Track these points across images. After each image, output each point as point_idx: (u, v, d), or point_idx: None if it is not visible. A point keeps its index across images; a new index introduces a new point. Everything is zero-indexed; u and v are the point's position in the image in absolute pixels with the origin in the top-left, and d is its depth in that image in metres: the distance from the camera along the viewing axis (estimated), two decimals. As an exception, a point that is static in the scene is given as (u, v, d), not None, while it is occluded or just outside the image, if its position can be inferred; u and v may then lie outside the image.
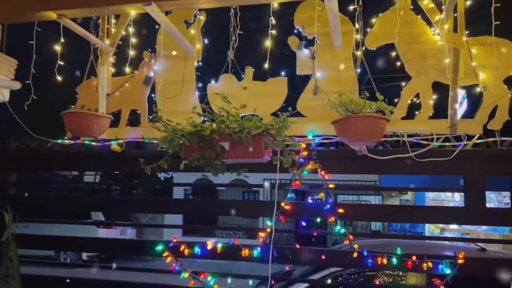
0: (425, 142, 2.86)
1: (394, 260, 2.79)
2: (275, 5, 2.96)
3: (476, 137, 2.77)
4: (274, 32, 2.97)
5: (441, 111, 2.89)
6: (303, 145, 2.98)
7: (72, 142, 3.38)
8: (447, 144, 2.83)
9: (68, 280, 3.17)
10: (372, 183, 12.67)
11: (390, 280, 5.03)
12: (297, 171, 2.89)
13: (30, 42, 2.86)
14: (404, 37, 2.97)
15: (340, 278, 4.73)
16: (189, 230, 15.65)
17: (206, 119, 2.92)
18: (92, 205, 3.95)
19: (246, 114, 3.20)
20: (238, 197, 16.31)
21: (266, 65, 3.05)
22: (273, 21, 2.91)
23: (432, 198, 12.23)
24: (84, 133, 2.71)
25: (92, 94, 3.46)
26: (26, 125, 3.12)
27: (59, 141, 3.34)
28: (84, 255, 12.00)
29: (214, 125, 2.37)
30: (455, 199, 11.99)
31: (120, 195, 15.89)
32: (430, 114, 2.91)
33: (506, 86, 2.77)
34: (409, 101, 2.96)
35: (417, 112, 2.96)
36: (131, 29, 3.39)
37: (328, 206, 2.94)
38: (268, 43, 2.98)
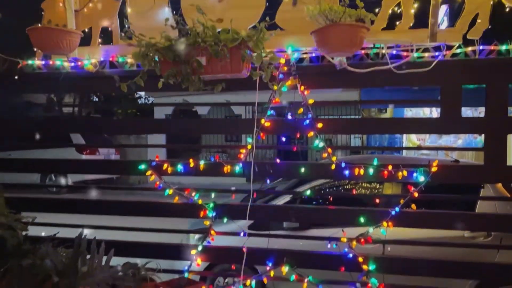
0: (405, 54, 2.84)
1: (371, 171, 2.89)
2: None
3: (456, 46, 2.76)
4: None
5: (421, 20, 2.84)
6: (282, 60, 2.92)
7: (43, 63, 3.25)
8: (426, 55, 2.81)
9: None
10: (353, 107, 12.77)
11: (368, 192, 5.29)
12: (277, 87, 2.88)
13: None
14: None
15: (321, 192, 4.95)
16: (173, 154, 15.84)
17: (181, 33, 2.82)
18: (71, 126, 3.90)
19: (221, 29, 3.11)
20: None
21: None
22: None
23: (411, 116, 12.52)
24: (53, 50, 2.59)
25: (59, 10, 3.25)
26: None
27: (29, 62, 3.21)
28: (70, 182, 12.16)
29: (189, 39, 2.29)
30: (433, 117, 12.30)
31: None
32: (411, 24, 2.85)
33: (488, -7, 2.70)
34: (389, 11, 2.88)
35: (397, 23, 2.89)
36: None
37: (308, 121, 2.97)
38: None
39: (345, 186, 5.23)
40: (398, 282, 3.13)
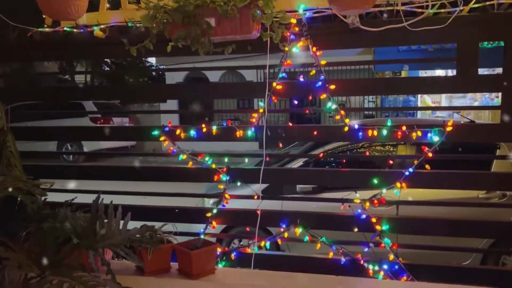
0: (420, 11, 2.74)
1: (384, 132, 2.86)
2: None
3: (473, 1, 2.65)
4: None
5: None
6: (293, 20, 2.86)
7: (52, 30, 3.23)
8: (442, 11, 2.71)
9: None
10: (366, 68, 12.49)
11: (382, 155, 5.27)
12: (288, 48, 2.83)
13: None
14: None
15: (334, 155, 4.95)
16: (185, 122, 15.90)
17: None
18: (85, 94, 3.92)
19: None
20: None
21: None
22: None
23: (426, 79, 12.22)
24: (61, 15, 2.56)
25: (65, -25, 3.20)
26: (3, 14, 2.95)
27: (38, 29, 3.19)
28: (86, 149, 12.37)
29: None
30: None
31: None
32: (427, -21, 2.74)
33: None
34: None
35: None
36: None
37: (320, 83, 2.93)
38: None
39: (359, 150, 5.22)
40: (412, 242, 3.16)
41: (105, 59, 15.94)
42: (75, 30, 3.18)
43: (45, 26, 3.23)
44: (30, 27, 3.10)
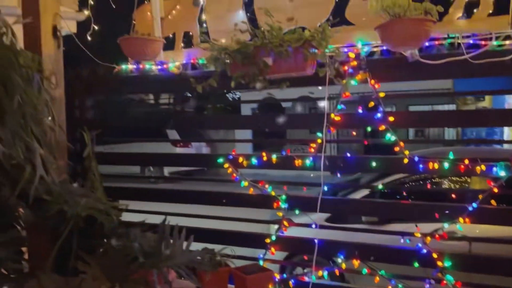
0: (483, 43, 2.69)
1: (446, 165, 2.80)
2: None
3: (541, 32, 2.55)
4: None
5: (503, 6, 2.66)
6: (352, 55, 2.95)
7: (135, 67, 3.63)
8: (507, 42, 2.64)
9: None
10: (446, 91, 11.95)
11: (457, 186, 5.04)
12: (346, 81, 2.92)
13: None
14: None
15: (399, 186, 4.84)
16: (259, 145, 16.28)
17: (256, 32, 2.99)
18: (166, 122, 4.29)
19: (293, 27, 3.21)
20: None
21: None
22: None
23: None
24: (139, 56, 2.91)
25: (147, 19, 3.61)
26: (93, 53, 3.40)
27: (123, 66, 3.61)
28: (166, 172, 13.16)
29: (256, 41, 2.44)
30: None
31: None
32: (490, 12, 2.69)
33: None
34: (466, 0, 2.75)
35: (475, 10, 2.75)
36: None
37: (379, 115, 2.96)
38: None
39: (431, 180, 5.05)
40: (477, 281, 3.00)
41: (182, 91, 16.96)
42: (153, 66, 3.55)
43: (128, 63, 3.65)
44: (114, 65, 3.52)
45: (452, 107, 14.18)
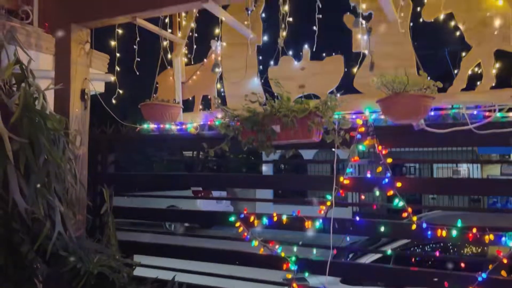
0: (487, 114, 2.78)
1: (454, 232, 2.80)
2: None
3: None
4: (324, 17, 3.06)
5: (505, 80, 2.77)
6: (360, 121, 3.07)
7: (156, 126, 3.85)
8: (511, 114, 2.72)
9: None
10: (469, 150, 11.80)
11: (472, 251, 4.91)
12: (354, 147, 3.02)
13: (112, 42, 3.31)
14: (463, 5, 2.86)
15: (408, 250, 4.74)
16: (280, 195, 16.26)
17: (265, 101, 3.19)
18: (190, 180, 4.45)
19: (305, 94, 3.39)
20: (326, 171, 16.33)
21: (319, 46, 3.16)
22: (320, 5, 3.00)
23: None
24: (159, 121, 3.12)
25: (169, 83, 3.87)
26: (119, 112, 3.65)
27: (145, 126, 3.83)
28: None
29: (267, 108, 2.60)
30: None
31: (216, 168, 16.96)
32: (493, 85, 2.80)
33: None
34: (469, 72, 2.87)
35: (478, 83, 2.86)
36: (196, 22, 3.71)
37: (386, 180, 3.03)
38: (315, 28, 3.09)
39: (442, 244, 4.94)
40: None
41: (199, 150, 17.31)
42: (173, 127, 3.76)
43: (149, 123, 3.87)
44: (137, 125, 3.75)
45: (476, 165, 13.96)
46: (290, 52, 3.50)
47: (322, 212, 3.19)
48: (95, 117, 3.66)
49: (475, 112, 2.80)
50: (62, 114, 3.07)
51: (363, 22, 3.13)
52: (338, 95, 3.22)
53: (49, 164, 2.59)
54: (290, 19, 3.16)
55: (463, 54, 2.91)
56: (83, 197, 3.10)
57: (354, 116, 3.12)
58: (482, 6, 2.82)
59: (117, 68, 3.49)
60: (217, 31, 3.63)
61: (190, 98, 3.85)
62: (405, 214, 2.98)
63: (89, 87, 3.35)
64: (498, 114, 2.74)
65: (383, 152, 3.05)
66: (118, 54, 3.43)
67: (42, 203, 2.53)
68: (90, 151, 3.51)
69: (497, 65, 2.80)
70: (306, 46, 3.42)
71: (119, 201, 3.55)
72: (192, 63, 3.87)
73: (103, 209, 3.18)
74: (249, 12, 3.54)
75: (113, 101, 3.47)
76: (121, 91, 3.45)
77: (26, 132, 2.57)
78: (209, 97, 3.80)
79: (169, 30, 3.63)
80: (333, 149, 3.03)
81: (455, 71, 2.92)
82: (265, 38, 3.60)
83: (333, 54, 3.36)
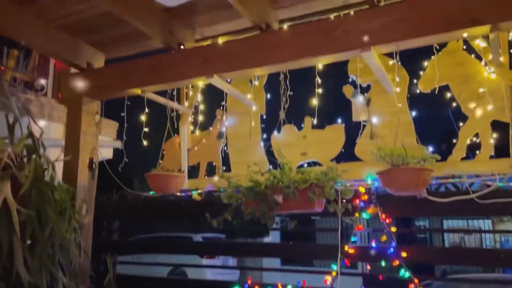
0: (488, 183, 2.80)
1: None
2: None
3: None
4: (324, 86, 3.20)
5: (503, 150, 2.82)
6: (362, 189, 3.10)
7: (161, 194, 3.90)
8: (511, 184, 2.74)
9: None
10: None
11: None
12: (358, 215, 3.03)
13: (121, 114, 3.45)
14: (458, 77, 2.98)
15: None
16: (288, 258, 15.80)
17: (271, 167, 3.25)
18: (192, 248, 4.42)
19: (306, 161, 3.46)
20: (335, 237, 15.92)
21: (321, 115, 3.27)
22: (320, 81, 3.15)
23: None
24: (164, 190, 3.17)
25: (176, 150, 3.97)
26: (126, 178, 3.72)
27: (150, 193, 3.88)
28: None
29: (270, 178, 2.64)
30: None
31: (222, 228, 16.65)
32: (491, 154, 2.85)
33: None
34: (468, 142, 2.93)
35: (477, 152, 2.91)
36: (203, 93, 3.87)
37: (392, 249, 3.00)
38: (315, 101, 3.22)
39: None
40: None
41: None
42: (178, 193, 3.80)
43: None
44: (142, 193, 3.81)
45: (487, 222, 13.66)
46: (292, 121, 3.61)
47: (328, 282, 3.15)
48: (102, 182, 3.72)
49: (476, 181, 2.83)
50: (70, 183, 3.14)
51: (358, 92, 3.26)
52: (340, 163, 3.28)
53: (55, 236, 2.62)
54: (291, 93, 3.30)
55: (461, 124, 2.99)
56: (86, 267, 3.09)
57: (356, 184, 3.15)
58: (476, 79, 2.93)
59: (125, 137, 3.60)
60: (222, 100, 3.78)
61: (196, 165, 3.92)
62: (411, 286, 2.92)
63: (97, 156, 3.45)
64: (499, 184, 2.76)
65: (387, 220, 3.06)
66: (126, 125, 3.55)
67: (45, 275, 2.53)
68: (96, 217, 3.54)
69: (494, 135, 2.86)
70: (307, 115, 3.53)
71: (123, 268, 3.53)
72: (198, 131, 3.99)
73: (106, 279, 3.16)
74: (253, 84, 3.70)
75: (120, 170, 3.54)
76: (127, 160, 3.54)
77: (34, 203, 2.62)
78: (214, 163, 3.87)
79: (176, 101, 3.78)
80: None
81: (454, 140, 2.98)
82: (269, 107, 3.73)
83: (334, 122, 3.46)
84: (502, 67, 2.77)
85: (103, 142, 4.04)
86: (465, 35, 2.35)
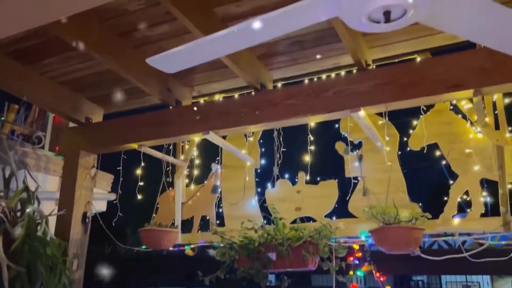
0: (480, 241, 2.82)
1: None
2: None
3: (534, 232, 2.68)
4: (318, 142, 3.28)
5: (494, 208, 2.86)
6: (356, 246, 3.10)
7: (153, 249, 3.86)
8: (503, 242, 2.75)
9: None
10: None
11: None
12: (352, 273, 3.01)
13: (118, 168, 3.49)
14: (447, 136, 3.07)
15: None
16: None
17: (265, 221, 3.26)
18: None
19: (300, 216, 3.47)
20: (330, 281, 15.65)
21: (315, 171, 3.32)
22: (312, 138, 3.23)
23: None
24: (156, 246, 3.15)
25: (170, 203, 3.98)
26: (118, 231, 3.69)
27: (142, 247, 3.84)
28: None
29: (264, 235, 2.64)
30: None
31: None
32: (482, 212, 2.89)
33: (559, 181, 2.69)
34: (458, 199, 2.98)
35: (468, 210, 2.95)
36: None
37: (387, 308, 2.96)
38: (308, 158, 3.29)
39: None
40: None
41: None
42: (171, 248, 3.76)
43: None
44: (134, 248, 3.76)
45: (486, 278, 13.35)
46: (286, 176, 3.66)
47: None
48: (94, 235, 3.68)
49: (468, 239, 2.85)
50: (62, 237, 3.12)
51: (349, 149, 3.34)
52: (334, 218, 3.30)
53: (44, 293, 2.57)
54: (284, 149, 3.38)
55: (451, 182, 3.04)
56: (75, 324, 3.00)
57: (350, 241, 3.16)
58: (464, 138, 3.03)
59: (120, 191, 3.62)
60: (217, 155, 3.84)
61: (189, 218, 3.91)
62: None
63: (91, 210, 3.44)
64: (491, 242, 2.78)
65: (382, 279, 3.03)
66: (122, 178, 3.58)
67: (31, 335, 2.47)
68: (87, 270, 3.48)
69: (484, 193, 2.91)
70: (301, 170, 3.59)
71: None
72: (193, 185, 4.02)
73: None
74: (248, 139, 3.78)
75: (113, 224, 3.53)
76: (121, 214, 3.54)
77: (25, 258, 2.60)
78: (207, 217, 3.87)
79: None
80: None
81: (445, 198, 3.03)
82: (263, 161, 3.79)
83: (327, 178, 3.51)
84: (487, 128, 2.87)
85: (98, 194, 4.04)
86: (451, 98, 2.47)
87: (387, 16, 1.14)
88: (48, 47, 2.90)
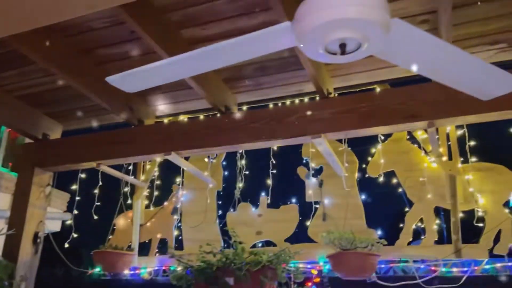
0: (433, 268, 2.89)
1: None
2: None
3: (484, 262, 2.77)
4: (280, 167, 3.31)
5: (447, 236, 2.96)
6: (314, 272, 3.10)
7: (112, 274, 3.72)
8: (455, 269, 2.84)
9: None
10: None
11: None
12: (309, 299, 3.00)
13: (73, 187, 3.38)
14: (403, 165, 3.18)
15: None
16: None
17: (225, 245, 3.22)
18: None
19: (261, 241, 3.46)
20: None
21: (276, 195, 3.34)
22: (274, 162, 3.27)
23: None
24: (111, 269, 3.05)
25: (127, 225, 3.87)
26: (72, 253, 3.54)
27: (96, 269, 3.70)
28: None
29: (222, 259, 2.60)
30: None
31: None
32: (435, 239, 2.97)
33: (506, 210, 2.82)
34: (413, 226, 3.06)
35: (422, 237, 3.04)
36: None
37: (343, 335, 2.96)
38: (270, 182, 3.32)
39: None
40: None
41: None
42: (126, 271, 3.64)
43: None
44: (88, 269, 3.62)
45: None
46: (249, 199, 3.65)
47: None
48: (46, 256, 3.52)
49: (422, 266, 2.92)
50: (10, 258, 2.97)
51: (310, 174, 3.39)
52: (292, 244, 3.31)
53: (-15, 318, 2.42)
54: (247, 172, 3.38)
55: (407, 209, 3.13)
56: None
57: (309, 266, 3.16)
58: (419, 167, 3.13)
59: (76, 211, 3.50)
60: (178, 176, 3.80)
61: (147, 241, 3.81)
62: None
63: (44, 229, 3.30)
64: (443, 269, 2.85)
65: (339, 304, 3.04)
66: (78, 197, 3.47)
67: None
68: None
69: (438, 221, 3.01)
70: (263, 194, 3.59)
71: None
72: (152, 206, 3.93)
73: None
74: (211, 160, 3.77)
75: (66, 245, 3.39)
76: (75, 235, 3.41)
77: (-34, 282, 2.45)
78: (166, 239, 3.78)
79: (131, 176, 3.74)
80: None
81: (401, 225, 3.10)
82: (226, 184, 3.78)
83: (289, 202, 3.53)
84: (441, 158, 2.99)
85: (52, 214, 3.89)
86: (407, 128, 2.57)
87: (343, 48, 1.19)
88: (6, 59, 2.81)
